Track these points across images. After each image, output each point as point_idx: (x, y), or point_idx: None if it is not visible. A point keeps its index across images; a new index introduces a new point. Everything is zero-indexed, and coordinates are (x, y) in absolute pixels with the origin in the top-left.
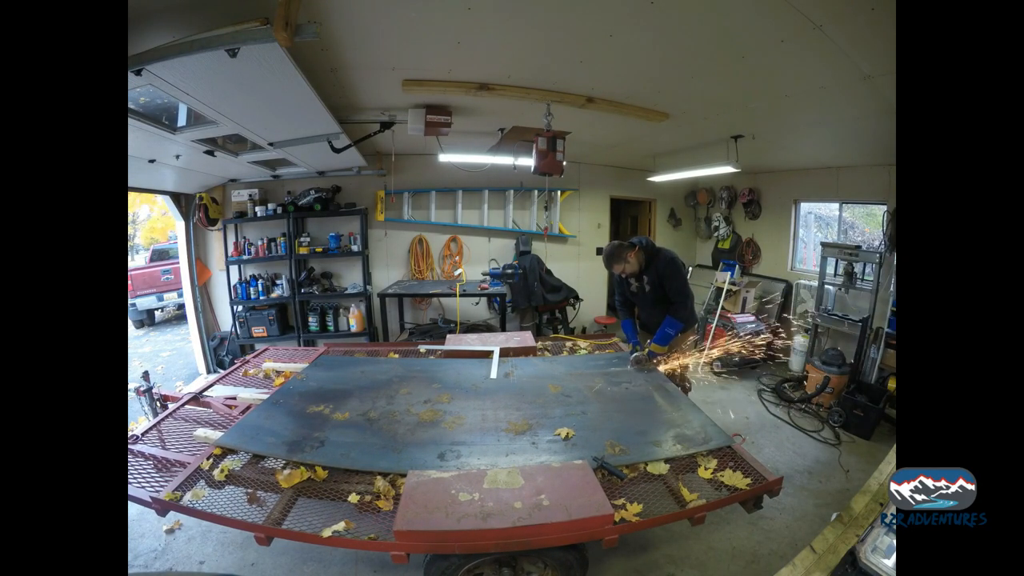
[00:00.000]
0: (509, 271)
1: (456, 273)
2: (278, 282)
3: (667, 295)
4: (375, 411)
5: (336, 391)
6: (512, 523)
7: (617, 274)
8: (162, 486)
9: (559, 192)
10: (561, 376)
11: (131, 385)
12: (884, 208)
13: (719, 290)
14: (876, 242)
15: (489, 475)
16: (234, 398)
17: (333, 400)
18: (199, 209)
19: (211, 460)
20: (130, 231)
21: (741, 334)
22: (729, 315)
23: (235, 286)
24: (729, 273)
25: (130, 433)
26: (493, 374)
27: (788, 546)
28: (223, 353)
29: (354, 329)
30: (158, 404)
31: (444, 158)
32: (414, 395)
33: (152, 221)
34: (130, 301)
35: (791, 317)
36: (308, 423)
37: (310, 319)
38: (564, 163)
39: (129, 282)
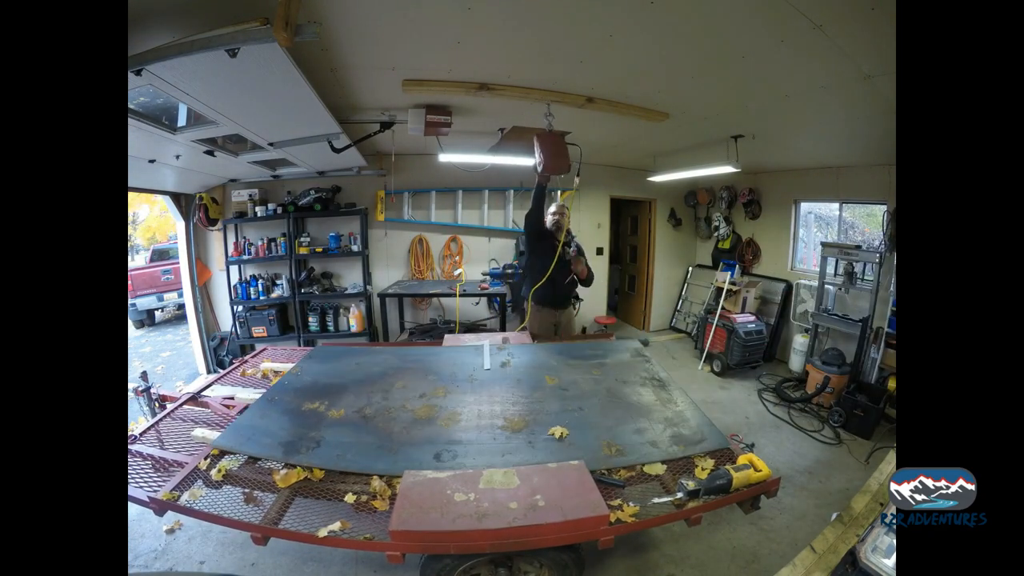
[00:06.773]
0: (509, 271)
1: (456, 273)
2: (278, 282)
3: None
4: (370, 407)
5: (331, 386)
6: (507, 523)
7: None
8: (160, 486)
9: (559, 192)
10: (558, 367)
11: (130, 385)
12: (884, 208)
13: (719, 290)
14: (876, 242)
15: (485, 475)
16: (232, 398)
17: (328, 396)
18: (199, 209)
19: (208, 460)
20: (130, 231)
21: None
22: (729, 315)
23: (235, 286)
24: (729, 273)
25: (129, 433)
26: (487, 364)
27: (788, 546)
28: (223, 353)
29: (354, 329)
30: (156, 404)
31: (444, 158)
32: (409, 389)
33: (156, 223)
34: (130, 301)
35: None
36: (303, 422)
37: (310, 319)
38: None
39: (129, 282)
